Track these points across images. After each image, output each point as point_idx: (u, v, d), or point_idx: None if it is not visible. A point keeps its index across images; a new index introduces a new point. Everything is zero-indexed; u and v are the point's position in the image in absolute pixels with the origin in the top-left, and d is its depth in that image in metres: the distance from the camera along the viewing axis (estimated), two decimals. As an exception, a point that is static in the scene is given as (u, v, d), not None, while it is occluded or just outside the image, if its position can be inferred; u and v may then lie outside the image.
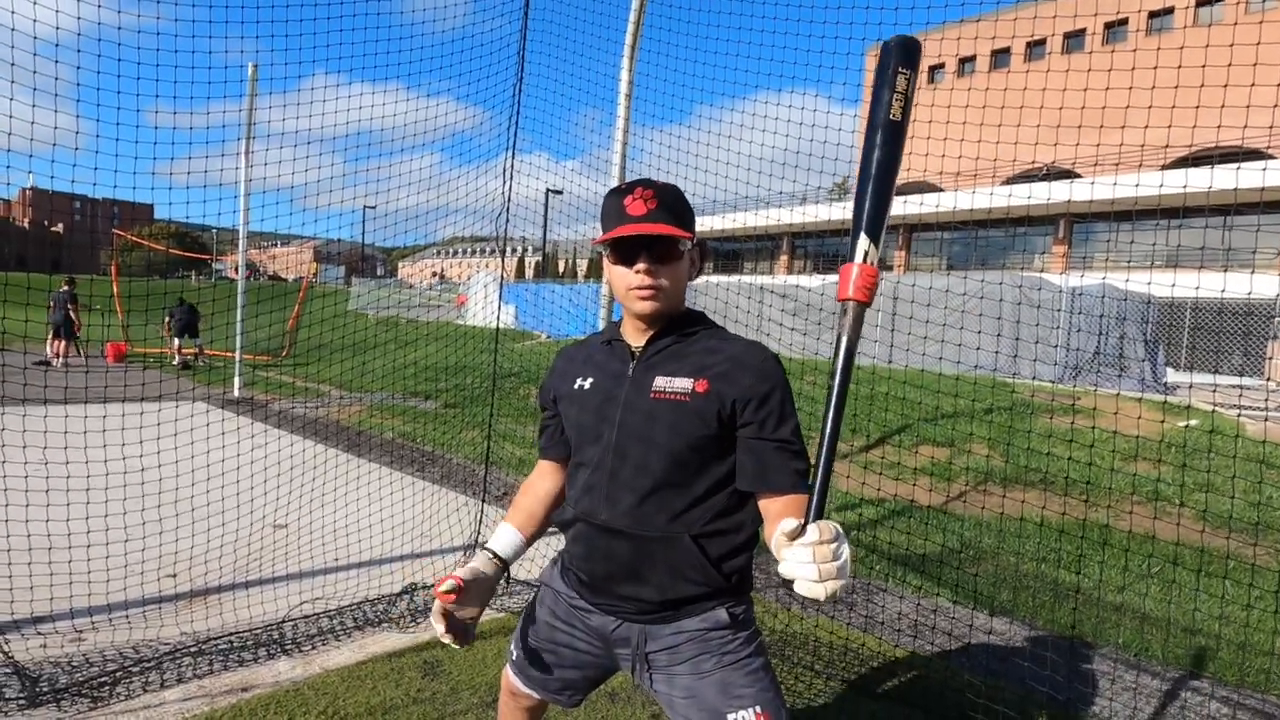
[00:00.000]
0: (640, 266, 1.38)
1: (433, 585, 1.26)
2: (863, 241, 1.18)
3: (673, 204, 1.42)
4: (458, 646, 1.41)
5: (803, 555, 1.01)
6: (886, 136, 1.21)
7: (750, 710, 1.35)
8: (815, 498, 1.08)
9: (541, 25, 4.18)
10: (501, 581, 1.52)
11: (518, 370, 11.10)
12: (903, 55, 1.22)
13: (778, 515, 1.29)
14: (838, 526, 1.05)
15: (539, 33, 4.06)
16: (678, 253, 1.41)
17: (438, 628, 1.38)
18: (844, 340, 1.14)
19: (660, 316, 1.44)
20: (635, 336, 1.48)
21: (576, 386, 1.51)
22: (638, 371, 1.44)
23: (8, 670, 2.46)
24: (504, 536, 1.55)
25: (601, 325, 3.94)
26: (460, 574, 1.41)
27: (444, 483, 5.58)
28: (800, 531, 1.05)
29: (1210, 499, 5.28)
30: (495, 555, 1.50)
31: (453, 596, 1.36)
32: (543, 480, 1.64)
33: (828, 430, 1.10)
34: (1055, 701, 2.75)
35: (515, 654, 1.63)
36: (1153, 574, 4.22)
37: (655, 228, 1.36)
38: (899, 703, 2.73)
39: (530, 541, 1.58)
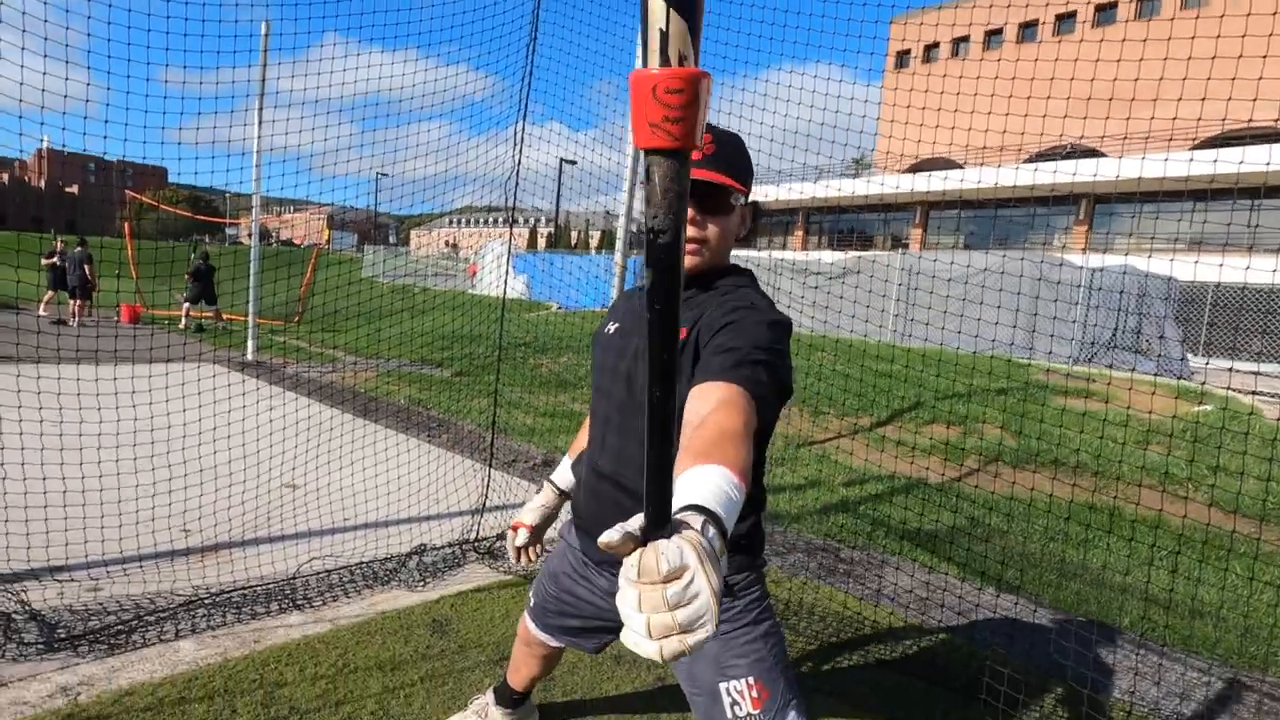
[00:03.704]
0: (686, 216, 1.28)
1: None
2: (656, 8, 0.54)
3: (731, 153, 1.30)
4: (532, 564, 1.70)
5: (629, 596, 0.62)
6: None
7: (743, 680, 1.33)
8: (648, 501, 0.67)
9: (558, -14, 4.08)
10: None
11: (529, 340, 11.11)
12: None
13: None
14: (688, 549, 0.62)
15: (555, -2, 3.97)
16: (728, 205, 1.30)
17: (516, 565, 1.75)
18: (658, 240, 0.60)
19: (700, 272, 1.33)
20: None
21: (607, 329, 1.50)
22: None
23: (25, 616, 2.51)
24: (564, 471, 1.72)
25: (614, 296, 3.90)
26: (527, 520, 1.67)
27: (453, 448, 5.63)
28: (625, 547, 0.64)
29: (1220, 483, 5.23)
30: (556, 487, 1.71)
31: (532, 552, 1.67)
32: None
33: (654, 401, 0.65)
34: (1059, 676, 2.75)
35: (533, 601, 1.68)
36: (1161, 555, 4.20)
37: (707, 174, 1.25)
38: (904, 673, 2.74)
39: None
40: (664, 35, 0.54)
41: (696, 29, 0.55)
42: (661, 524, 0.66)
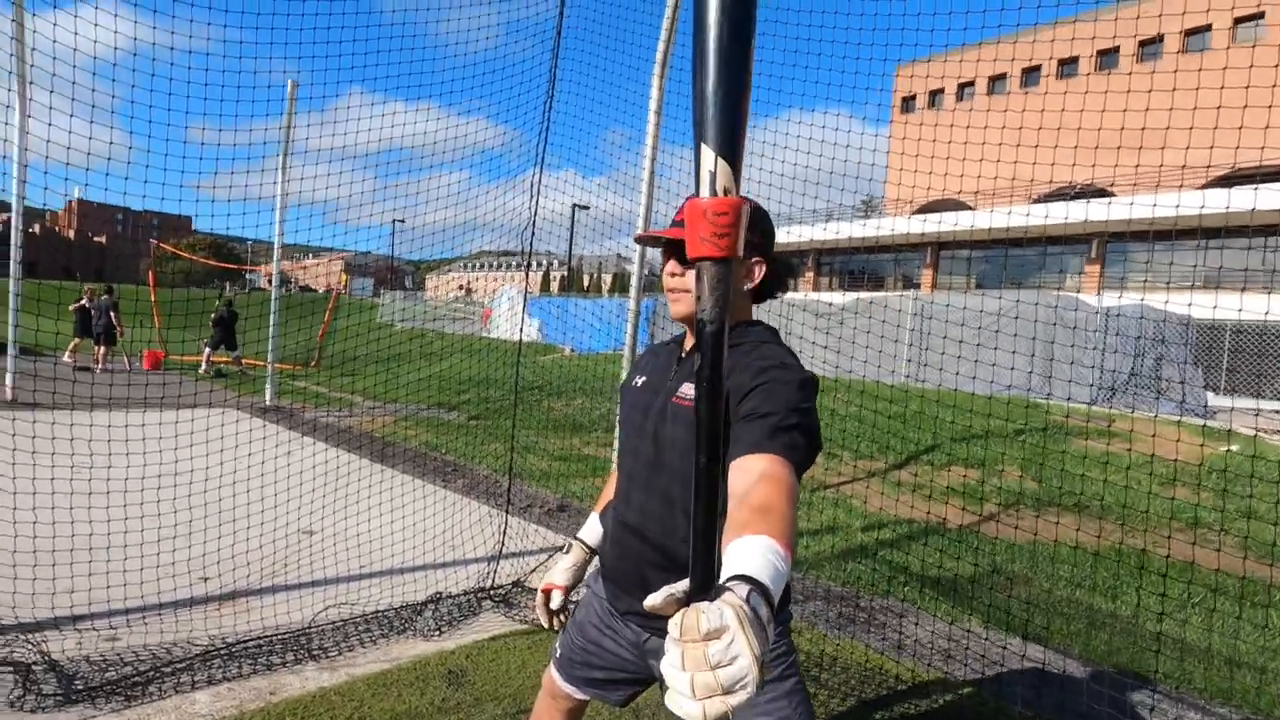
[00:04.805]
0: (670, 269, 1.41)
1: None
2: (707, 156, 0.72)
3: None
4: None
5: (673, 655, 0.66)
6: None
7: None
8: (694, 565, 0.72)
9: (574, 44, 4.27)
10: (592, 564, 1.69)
11: (541, 384, 11.17)
12: None
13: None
14: (729, 610, 0.66)
15: (571, 50, 4.14)
16: None
17: (546, 623, 1.62)
18: (706, 328, 0.72)
19: (693, 321, 1.42)
20: (689, 342, 1.49)
21: (634, 383, 1.54)
22: (675, 377, 1.44)
23: (44, 667, 2.52)
24: (591, 526, 1.69)
25: (628, 340, 3.96)
26: (559, 581, 1.62)
27: (469, 494, 5.62)
28: (669, 609, 0.70)
29: (1252, 527, 5.10)
30: (585, 545, 1.68)
31: (565, 615, 1.63)
32: None
33: (700, 467, 0.72)
34: (1092, 734, 2.66)
35: (559, 652, 1.65)
36: (1194, 603, 4.08)
37: (676, 233, 1.38)
38: (928, 729, 2.66)
39: None
40: (713, 174, 0.71)
41: (738, 170, 0.72)
42: (706, 588, 0.69)
